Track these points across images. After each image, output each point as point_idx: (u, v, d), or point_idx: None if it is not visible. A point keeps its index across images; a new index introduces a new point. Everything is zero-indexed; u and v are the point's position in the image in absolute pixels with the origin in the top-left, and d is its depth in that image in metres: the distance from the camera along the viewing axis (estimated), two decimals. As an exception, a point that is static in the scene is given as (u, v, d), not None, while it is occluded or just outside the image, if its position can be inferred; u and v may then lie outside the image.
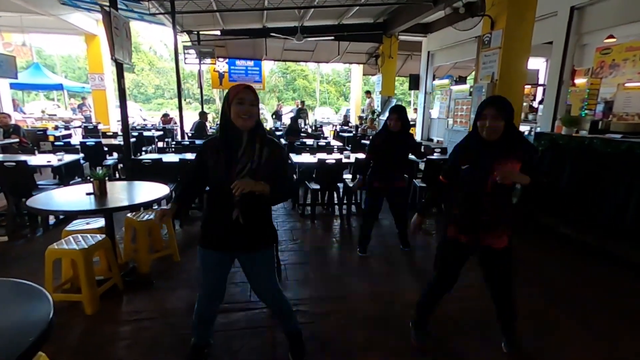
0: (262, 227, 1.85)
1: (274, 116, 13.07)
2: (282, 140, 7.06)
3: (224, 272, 1.93)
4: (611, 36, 8.08)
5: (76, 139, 7.98)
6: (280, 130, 9.29)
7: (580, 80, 7.89)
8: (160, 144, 9.15)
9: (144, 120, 16.15)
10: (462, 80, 9.90)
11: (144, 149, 7.32)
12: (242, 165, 1.70)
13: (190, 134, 7.96)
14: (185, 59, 8.50)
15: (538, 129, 7.13)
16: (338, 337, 2.35)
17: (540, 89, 10.51)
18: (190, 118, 10.80)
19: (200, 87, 9.76)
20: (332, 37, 9.21)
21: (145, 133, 8.07)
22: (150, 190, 2.94)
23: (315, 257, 3.59)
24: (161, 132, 8.90)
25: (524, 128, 7.89)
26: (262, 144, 1.74)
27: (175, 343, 2.24)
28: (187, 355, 2.06)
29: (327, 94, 33.52)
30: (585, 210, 3.74)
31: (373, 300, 2.81)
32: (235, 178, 1.66)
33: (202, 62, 9.53)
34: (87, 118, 11.73)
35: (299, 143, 6.38)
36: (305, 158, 5.00)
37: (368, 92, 13.50)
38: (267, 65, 12.79)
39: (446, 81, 9.96)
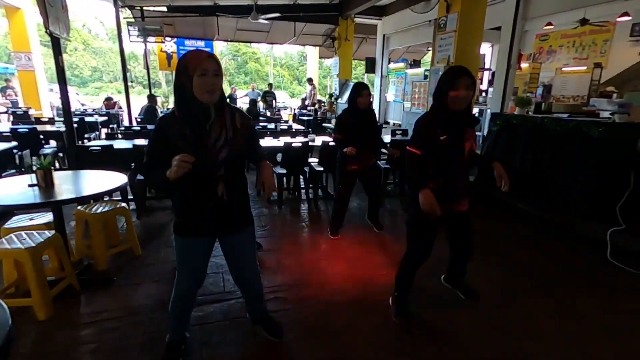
0: (245, 202, 1.80)
1: (228, 100, 12.52)
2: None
3: (207, 259, 1.81)
4: (549, 23, 8.67)
5: (2, 126, 7.07)
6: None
7: (524, 65, 8.41)
8: (104, 131, 8.42)
9: (82, 105, 14.74)
10: (416, 63, 10.13)
11: (86, 135, 6.67)
12: (215, 135, 1.57)
13: (139, 119, 7.37)
14: (130, 36, 7.78)
15: (489, 110, 7.53)
16: (319, 321, 2.32)
17: (486, 73, 11.08)
18: (136, 102, 10.00)
19: (147, 69, 9.04)
20: (287, 17, 8.92)
21: (87, 119, 7.34)
22: (104, 180, 2.66)
23: (286, 243, 3.52)
24: (105, 118, 8.15)
25: (476, 109, 8.29)
26: (232, 112, 1.64)
27: (146, 342, 2.07)
28: (162, 354, 1.92)
29: (280, 77, 32.84)
30: (539, 187, 4.03)
31: (349, 283, 2.81)
32: (213, 152, 1.56)
33: (147, 40, 8.81)
34: (14, 103, 10.42)
35: (259, 127, 6.17)
36: (269, 142, 4.84)
37: (310, 80, 13.09)
38: (217, 47, 12.06)
39: (401, 64, 10.13)
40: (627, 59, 8.31)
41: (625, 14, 7.22)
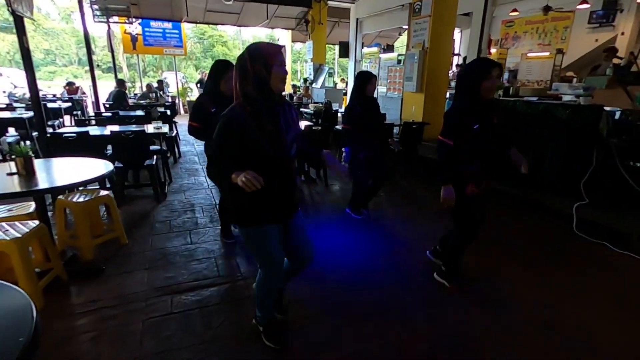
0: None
1: (198, 85, 12.09)
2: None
3: (281, 240, 1.85)
4: (515, 10, 9.01)
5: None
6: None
7: (493, 50, 8.72)
8: (67, 117, 7.96)
9: (40, 90, 13.72)
10: (389, 48, 10.23)
11: (50, 123, 6.28)
12: (285, 126, 1.64)
13: (107, 105, 7.01)
14: (94, 16, 7.30)
15: (460, 95, 7.79)
16: (315, 297, 2.40)
17: (455, 58, 11.38)
18: (100, 87, 9.43)
19: (112, 52, 8.55)
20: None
21: (50, 105, 6.89)
22: (86, 167, 2.56)
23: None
24: (69, 104, 7.68)
25: (450, 93, 8.52)
26: (287, 102, 1.75)
27: (148, 328, 2.07)
28: (269, 335, 1.98)
29: (250, 62, 31.90)
30: (511, 166, 4.26)
31: (340, 261, 2.90)
32: (288, 143, 1.64)
33: (110, 21, 8.33)
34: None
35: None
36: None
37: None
38: (184, 29, 11.51)
39: (375, 49, 10.21)
40: (585, 45, 8.82)
41: (584, 1, 7.63)
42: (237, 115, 1.53)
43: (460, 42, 11.63)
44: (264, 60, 1.49)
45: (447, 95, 8.08)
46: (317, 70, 10.55)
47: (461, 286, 2.52)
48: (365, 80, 3.25)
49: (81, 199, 2.84)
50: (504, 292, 2.51)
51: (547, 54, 8.16)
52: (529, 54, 8.21)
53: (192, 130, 2.74)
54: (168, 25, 10.95)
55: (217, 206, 3.14)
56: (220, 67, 2.71)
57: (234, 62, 1.73)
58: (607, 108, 3.85)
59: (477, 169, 2.23)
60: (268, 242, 1.73)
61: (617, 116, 4.14)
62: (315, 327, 2.13)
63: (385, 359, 1.90)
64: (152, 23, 10.79)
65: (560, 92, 5.93)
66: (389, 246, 3.19)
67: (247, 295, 2.40)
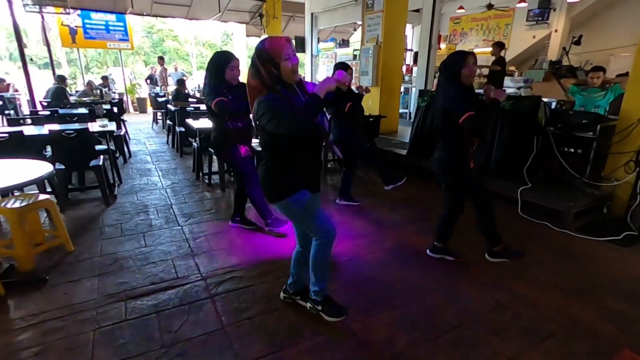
0: None
1: (148, 81, 11.46)
2: (170, 107, 6.34)
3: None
4: (461, 7, 9.46)
5: None
6: (162, 97, 8.29)
7: (443, 45, 9.10)
8: (-2, 117, 7.23)
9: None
10: (345, 43, 10.34)
11: (-24, 123, 5.66)
12: None
13: (44, 103, 6.44)
14: (24, 5, 6.64)
15: (414, 88, 8.07)
16: (278, 291, 2.37)
17: (408, 54, 11.73)
18: (36, 84, 8.60)
19: (48, 46, 7.85)
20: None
21: (-25, 103, 6.21)
22: (20, 170, 2.34)
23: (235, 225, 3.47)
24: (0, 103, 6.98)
25: (404, 87, 8.78)
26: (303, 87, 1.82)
27: (100, 338, 1.94)
28: (330, 309, 2.04)
29: (202, 57, 30.87)
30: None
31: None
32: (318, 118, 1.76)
33: (43, 11, 7.65)
34: None
35: (191, 109, 5.83)
36: (205, 124, 4.63)
37: (161, 58, 11.87)
38: (130, 23, 10.79)
39: (331, 44, 10.27)
40: (524, 41, 9.47)
41: (523, 0, 8.18)
42: (274, 96, 1.65)
43: (412, 38, 12.02)
44: (270, 59, 1.62)
45: (402, 89, 8.33)
46: (274, 65, 10.42)
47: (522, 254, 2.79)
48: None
49: (17, 205, 2.59)
50: (456, 273, 2.64)
51: (491, 49, 8.64)
52: (475, 50, 8.68)
53: (220, 107, 2.72)
54: (112, 17, 10.24)
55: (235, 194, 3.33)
56: (220, 61, 2.75)
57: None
58: (544, 99, 4.16)
59: (475, 147, 2.44)
60: (312, 206, 1.85)
61: (553, 106, 4.50)
62: (277, 321, 2.11)
63: (348, 343, 1.93)
64: (93, 15, 10.03)
65: (503, 85, 6.34)
66: (347, 237, 3.24)
67: (209, 295, 2.33)
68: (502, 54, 6.54)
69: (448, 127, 2.43)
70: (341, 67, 3.39)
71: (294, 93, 1.74)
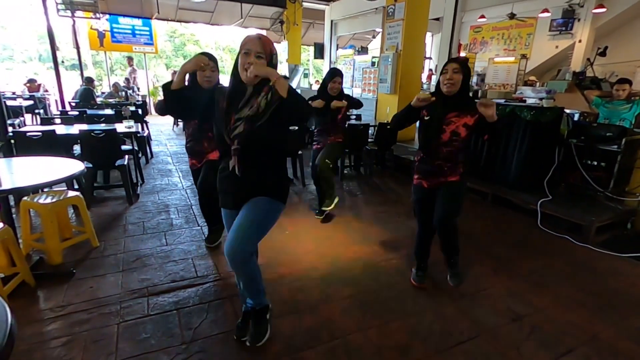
0: (264, 182, 1.75)
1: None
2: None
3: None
4: (482, 16, 9.41)
5: None
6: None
7: (462, 54, 9.05)
8: (28, 116, 7.55)
9: (-5, 87, 12.88)
10: (364, 50, 10.40)
11: (9, 122, 5.92)
12: (243, 113, 1.65)
13: (73, 103, 6.71)
14: (57, 11, 6.96)
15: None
16: (295, 297, 2.41)
17: (427, 62, 11.71)
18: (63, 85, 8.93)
19: (77, 48, 8.19)
20: (238, 0, 8.60)
21: (9, 102, 6.51)
22: (53, 167, 2.46)
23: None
24: (30, 102, 7.28)
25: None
26: (268, 91, 1.63)
27: (124, 332, 2.02)
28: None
29: (223, 62, 31.47)
30: (481, 164, 4.46)
31: (320, 259, 2.93)
32: (230, 129, 1.64)
33: (75, 16, 7.98)
34: None
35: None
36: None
37: (130, 59, 11.46)
38: (156, 27, 11.13)
39: (349, 51, 10.33)
40: (546, 51, 9.33)
41: (545, 10, 8.09)
42: (219, 88, 1.80)
43: (432, 46, 12.00)
44: (239, 47, 1.62)
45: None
46: (293, 71, 10.55)
47: (424, 283, 2.58)
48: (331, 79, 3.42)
49: (48, 200, 2.72)
50: (474, 284, 2.63)
51: (512, 59, 8.58)
52: (495, 59, 8.60)
53: None
54: (138, 22, 10.59)
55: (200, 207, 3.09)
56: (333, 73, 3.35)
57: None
58: (567, 110, 4.11)
59: (420, 160, 2.35)
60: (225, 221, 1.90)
61: (576, 118, 4.43)
62: (293, 326, 2.14)
63: (364, 348, 1.94)
64: (121, 19, 10.41)
65: (524, 95, 6.26)
66: (364, 244, 3.25)
67: (226, 295, 2.38)
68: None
69: None
70: (337, 72, 3.47)
71: (242, 91, 1.66)
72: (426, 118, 2.23)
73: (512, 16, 8.78)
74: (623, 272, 2.87)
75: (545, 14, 8.13)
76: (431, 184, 2.33)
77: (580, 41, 8.30)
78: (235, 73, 1.64)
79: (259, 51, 1.57)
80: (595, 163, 3.69)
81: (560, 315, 2.29)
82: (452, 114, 2.17)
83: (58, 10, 6.95)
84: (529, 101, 5.57)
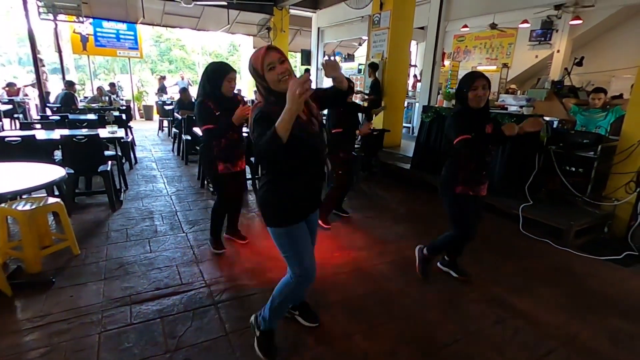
0: None
1: (157, 94, 11.49)
2: (178, 115, 6.45)
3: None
4: (465, 26, 9.65)
5: None
6: (169, 105, 8.42)
7: (446, 62, 9.24)
8: (7, 121, 7.34)
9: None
10: (350, 57, 10.52)
11: (-14, 126, 5.74)
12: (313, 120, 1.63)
13: (54, 108, 6.55)
14: (39, 14, 6.82)
15: (417, 104, 8.16)
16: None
17: (412, 69, 11.91)
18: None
19: (60, 52, 8.02)
20: (225, 4, 8.60)
21: (-14, 107, 6.32)
22: (32, 173, 2.40)
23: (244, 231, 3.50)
24: (9, 106, 7.09)
25: (408, 102, 8.89)
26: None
27: (106, 341, 1.97)
28: (263, 344, 1.90)
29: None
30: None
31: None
32: (319, 134, 1.64)
33: (57, 19, 7.83)
34: None
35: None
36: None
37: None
38: (141, 32, 11.00)
39: (336, 58, 10.43)
40: (526, 60, 9.62)
41: (525, 21, 8.35)
42: (265, 111, 1.51)
43: (417, 54, 12.22)
44: (255, 71, 1.55)
45: (405, 103, 8.45)
46: (280, 77, 10.58)
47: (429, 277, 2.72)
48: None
49: (27, 207, 2.64)
50: (458, 288, 2.67)
51: (494, 67, 8.81)
52: (478, 67, 8.81)
53: (208, 134, 2.67)
54: (122, 26, 10.47)
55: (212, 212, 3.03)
56: (219, 69, 2.63)
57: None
58: (546, 118, 4.23)
59: (470, 171, 2.38)
60: (302, 240, 1.70)
61: (555, 125, 4.57)
62: (280, 332, 2.13)
63: (350, 354, 1.95)
64: (105, 23, 10.27)
65: (506, 102, 6.43)
66: (351, 249, 3.27)
67: (212, 302, 2.35)
68: (377, 75, 6.41)
69: (448, 147, 2.43)
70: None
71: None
72: (473, 134, 2.24)
73: (493, 26, 9.04)
74: (601, 275, 2.97)
75: (525, 25, 8.39)
76: (478, 193, 2.43)
77: (558, 51, 8.59)
78: (270, 91, 1.55)
79: (280, 56, 1.53)
80: (574, 169, 3.81)
81: (541, 317, 2.34)
82: (487, 125, 2.31)
83: (40, 13, 6.81)
84: (511, 109, 5.74)
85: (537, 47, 9.02)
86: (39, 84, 5.95)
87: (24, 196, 3.16)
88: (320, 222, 3.52)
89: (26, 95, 8.61)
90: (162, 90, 11.47)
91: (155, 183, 4.99)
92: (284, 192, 1.64)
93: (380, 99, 6.42)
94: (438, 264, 2.90)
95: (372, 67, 6.43)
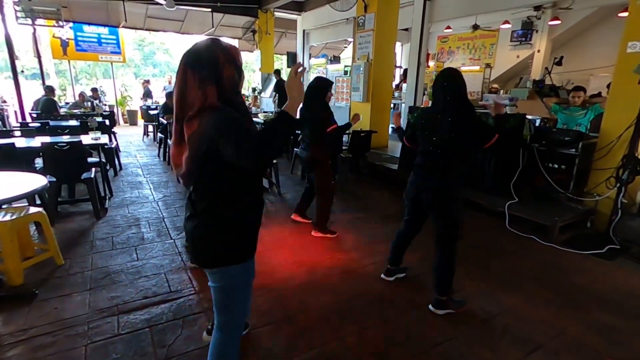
0: None
1: (143, 99, 11.27)
2: (163, 120, 6.35)
3: None
4: (448, 27, 9.80)
5: None
6: (154, 110, 8.29)
7: (431, 63, 9.35)
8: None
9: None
10: (336, 59, 10.54)
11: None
12: None
13: (34, 115, 6.38)
14: (17, 18, 6.63)
15: (403, 105, 8.24)
16: (272, 308, 2.38)
17: (397, 70, 12.01)
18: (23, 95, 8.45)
19: (39, 57, 7.82)
20: (209, 10, 8.53)
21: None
22: (12, 182, 2.33)
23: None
24: (-15, 113, 6.87)
25: (394, 102, 8.96)
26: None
27: (92, 353, 1.92)
28: None
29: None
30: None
31: (297, 269, 2.92)
32: None
33: (35, 23, 7.64)
34: None
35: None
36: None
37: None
38: (124, 36, 10.81)
39: (322, 60, 10.45)
40: (508, 60, 9.82)
41: (506, 22, 8.52)
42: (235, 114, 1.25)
43: (402, 55, 12.34)
44: (233, 60, 1.28)
45: (392, 104, 8.52)
46: (266, 80, 10.54)
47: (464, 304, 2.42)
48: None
49: (7, 218, 2.56)
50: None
51: (477, 67, 8.95)
52: (462, 68, 8.95)
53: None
54: (104, 30, 10.27)
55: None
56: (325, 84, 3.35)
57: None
58: (529, 116, 4.32)
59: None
60: (249, 280, 1.44)
61: (537, 123, 4.67)
62: (271, 336, 2.11)
63: (342, 356, 1.95)
64: (86, 27, 10.05)
65: (489, 102, 6.54)
66: (340, 251, 3.27)
67: (202, 309, 2.32)
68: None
69: (463, 147, 2.41)
70: (327, 83, 3.37)
71: (246, 112, 1.38)
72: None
73: (475, 27, 9.20)
74: (586, 269, 3.04)
75: (507, 25, 8.56)
76: None
77: (539, 51, 8.79)
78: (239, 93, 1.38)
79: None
80: (556, 166, 3.90)
81: (530, 313, 2.38)
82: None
83: (17, 17, 6.63)
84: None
85: (519, 47, 9.21)
86: (18, 90, 5.78)
87: (4, 206, 3.07)
88: (328, 235, 3.51)
89: (4, 101, 8.36)
90: (147, 94, 11.28)
91: (141, 189, 4.91)
92: (246, 213, 1.36)
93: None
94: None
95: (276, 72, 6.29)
